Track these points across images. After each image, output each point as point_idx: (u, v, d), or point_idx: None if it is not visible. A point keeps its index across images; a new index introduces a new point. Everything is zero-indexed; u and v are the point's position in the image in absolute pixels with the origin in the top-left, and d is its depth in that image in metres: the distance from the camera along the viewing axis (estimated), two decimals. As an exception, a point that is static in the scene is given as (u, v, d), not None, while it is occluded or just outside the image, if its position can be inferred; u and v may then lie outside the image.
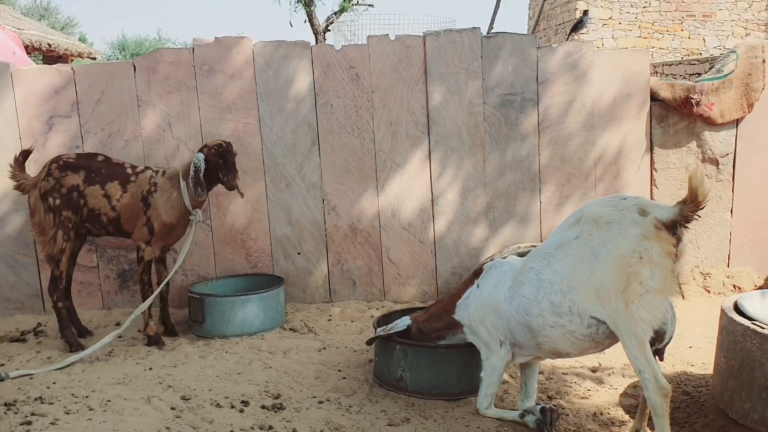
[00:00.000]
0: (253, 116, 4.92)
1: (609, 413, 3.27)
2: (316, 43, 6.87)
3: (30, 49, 12.02)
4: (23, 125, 4.75)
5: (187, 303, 4.60)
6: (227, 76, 4.87)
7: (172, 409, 3.24)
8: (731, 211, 5.18)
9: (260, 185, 4.95)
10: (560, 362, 3.82)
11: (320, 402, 3.35)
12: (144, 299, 4.20)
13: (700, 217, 2.57)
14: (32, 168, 4.42)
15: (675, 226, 2.59)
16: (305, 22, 16.14)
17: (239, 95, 4.89)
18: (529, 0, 17.77)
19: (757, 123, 5.08)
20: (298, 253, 5.04)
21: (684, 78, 8.86)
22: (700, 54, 14.38)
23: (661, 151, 5.10)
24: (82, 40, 27.74)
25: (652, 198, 5.06)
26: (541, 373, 3.64)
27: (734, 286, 5.09)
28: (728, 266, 5.19)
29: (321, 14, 16.61)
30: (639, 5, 14.73)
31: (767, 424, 2.74)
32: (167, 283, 4.34)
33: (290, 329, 4.51)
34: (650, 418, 2.77)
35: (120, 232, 4.24)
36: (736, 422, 2.89)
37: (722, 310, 3.08)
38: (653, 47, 14.58)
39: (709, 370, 3.52)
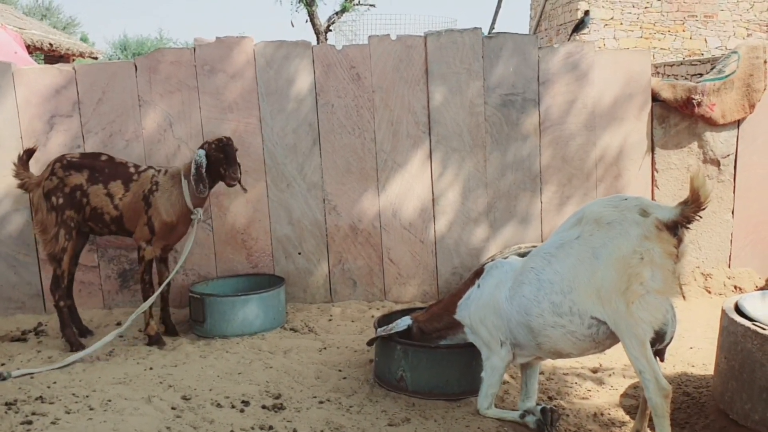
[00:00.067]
0: (254, 116, 4.92)
1: (609, 414, 3.27)
2: (318, 43, 6.88)
3: (32, 49, 12.03)
4: (24, 125, 4.76)
5: (187, 303, 4.60)
6: (228, 75, 4.87)
7: (173, 408, 3.24)
8: (732, 212, 5.17)
9: (261, 185, 4.96)
10: (561, 363, 3.82)
11: (321, 402, 3.35)
12: (145, 299, 4.20)
13: (701, 217, 2.57)
14: (32, 168, 4.41)
15: (676, 226, 2.59)
16: (306, 22, 16.15)
17: (240, 95, 4.90)
18: (530, 0, 17.77)
19: (758, 124, 5.07)
20: (299, 253, 5.04)
21: (685, 78, 8.86)
22: (702, 54, 14.37)
23: (663, 151, 5.09)
24: (84, 39, 27.76)
25: (653, 199, 5.06)
26: (541, 373, 3.63)
27: (735, 287, 5.08)
28: (729, 267, 5.19)
29: (322, 14, 16.62)
30: (640, 6, 14.72)
31: (767, 425, 2.74)
32: (168, 283, 4.34)
33: (291, 329, 4.51)
34: (651, 419, 2.77)
35: (122, 231, 4.25)
36: (736, 423, 2.89)
37: (723, 311, 3.08)
38: (655, 48, 14.57)
39: (710, 370, 3.52)
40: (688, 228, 2.60)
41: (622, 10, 14.69)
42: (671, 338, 2.74)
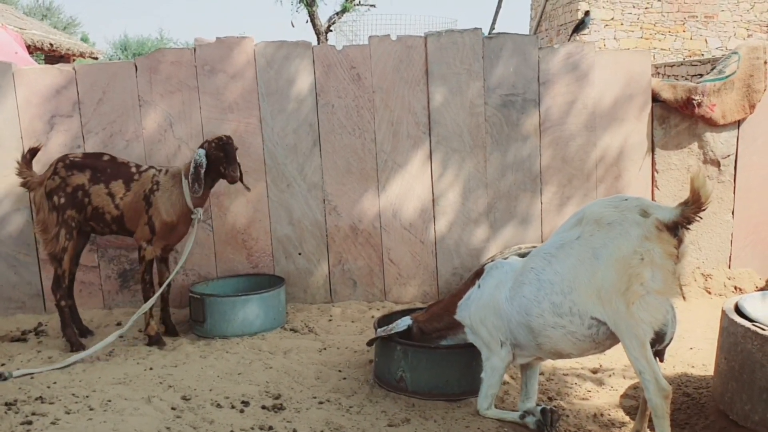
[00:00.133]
0: (254, 116, 4.92)
1: (609, 414, 3.27)
2: (318, 44, 6.88)
3: (32, 49, 12.04)
4: (25, 125, 4.76)
5: (187, 303, 4.60)
6: (229, 76, 4.87)
7: (173, 409, 3.24)
8: (732, 213, 5.17)
9: (261, 185, 4.96)
10: (561, 363, 3.82)
11: (320, 402, 3.35)
12: (145, 299, 4.20)
13: (701, 218, 2.57)
14: (32, 168, 4.41)
15: (676, 227, 2.59)
16: (307, 22, 16.15)
17: (241, 95, 4.90)
18: (530, 1, 17.77)
19: (758, 124, 5.07)
20: (299, 254, 5.04)
21: (686, 79, 8.86)
22: (702, 55, 14.37)
23: (663, 152, 5.09)
24: (84, 39, 27.77)
25: (653, 199, 5.06)
26: (541, 374, 3.63)
27: (735, 288, 5.08)
28: (729, 267, 5.19)
29: (323, 14, 16.61)
30: (641, 6, 14.73)
31: (767, 425, 2.74)
32: (168, 283, 4.34)
33: (291, 329, 4.51)
34: (651, 420, 2.77)
35: (123, 231, 4.25)
36: (736, 424, 2.89)
37: (723, 312, 3.08)
38: (655, 48, 14.57)
39: (710, 371, 3.52)
40: (688, 228, 2.60)
41: (622, 10, 14.70)
42: (671, 339, 2.74)
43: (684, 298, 2.68)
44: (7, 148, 4.72)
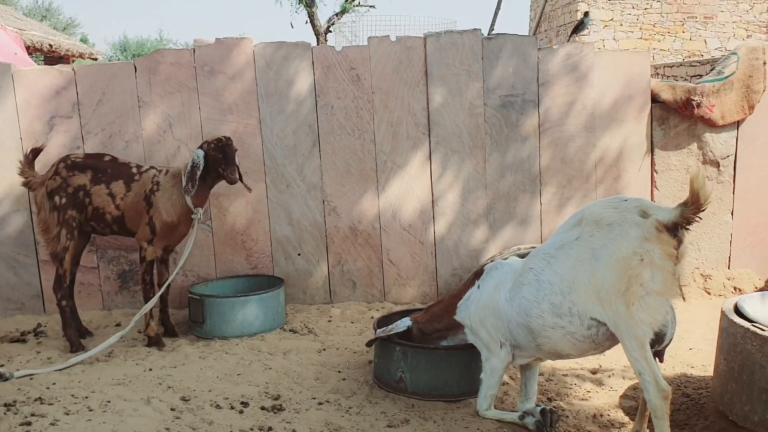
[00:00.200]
0: (253, 117, 4.92)
1: (609, 415, 3.27)
2: (317, 45, 6.89)
3: (31, 50, 12.05)
4: (24, 126, 4.76)
5: (187, 304, 4.60)
6: (228, 77, 4.87)
7: (172, 410, 3.24)
8: (732, 213, 5.17)
9: (261, 186, 4.95)
10: (560, 364, 3.82)
11: (320, 403, 3.34)
12: (145, 299, 4.20)
13: (701, 219, 2.57)
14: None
15: (676, 228, 2.59)
16: (306, 23, 16.16)
17: (240, 96, 4.90)
18: (530, 1, 17.78)
19: (757, 125, 5.08)
20: (299, 254, 5.04)
21: (685, 80, 8.86)
22: (702, 56, 14.38)
23: (662, 152, 5.09)
24: (84, 40, 27.78)
25: (652, 200, 5.06)
26: (541, 374, 3.63)
27: (735, 288, 5.08)
28: (729, 268, 5.19)
29: (322, 15, 16.62)
30: (640, 7, 14.73)
31: (767, 426, 2.74)
32: (168, 284, 4.34)
33: (290, 330, 4.51)
34: (650, 420, 2.77)
35: (124, 231, 4.26)
36: (736, 424, 2.89)
37: (722, 312, 3.08)
38: (654, 49, 14.58)
39: (710, 372, 3.52)
40: (687, 229, 2.61)
41: (621, 11, 14.70)
42: (671, 339, 2.74)
43: (683, 298, 2.69)
44: (7, 148, 4.72)
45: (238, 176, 4.10)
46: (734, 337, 2.91)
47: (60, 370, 3.76)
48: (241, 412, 3.24)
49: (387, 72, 4.92)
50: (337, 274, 5.08)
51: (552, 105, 4.99)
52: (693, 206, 2.54)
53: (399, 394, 3.41)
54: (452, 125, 4.96)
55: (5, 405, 3.23)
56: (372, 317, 4.74)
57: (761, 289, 4.97)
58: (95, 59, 15.51)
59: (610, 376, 3.72)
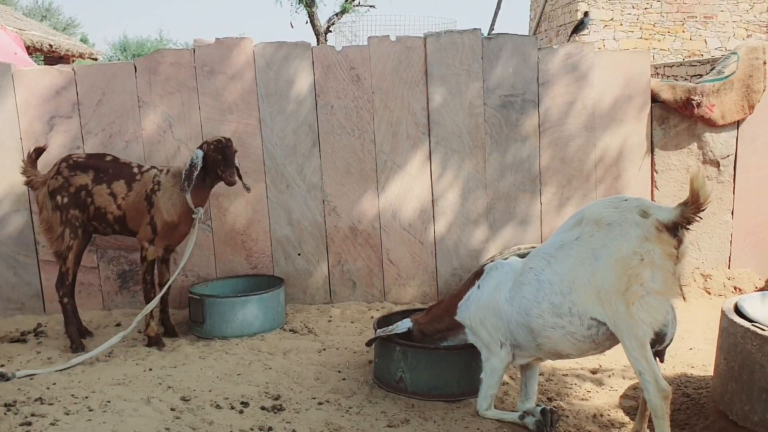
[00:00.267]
0: (253, 117, 4.92)
1: (609, 415, 3.27)
2: (317, 44, 6.89)
3: (31, 50, 12.05)
4: (24, 125, 4.76)
5: (187, 304, 4.60)
6: (228, 77, 4.87)
7: (172, 410, 3.24)
8: (732, 213, 5.17)
9: (261, 186, 4.95)
10: (560, 364, 3.82)
11: (320, 403, 3.34)
12: (146, 299, 4.21)
13: (701, 219, 2.57)
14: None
15: (676, 227, 2.59)
16: (306, 23, 16.16)
17: (240, 96, 4.90)
18: (530, 1, 17.78)
19: (758, 124, 5.08)
20: (299, 254, 5.04)
21: (685, 79, 8.86)
22: (702, 55, 14.38)
23: (662, 152, 5.09)
24: (84, 40, 27.78)
25: (652, 199, 5.06)
26: (541, 374, 3.63)
27: (735, 288, 5.08)
28: (729, 268, 5.19)
29: (322, 15, 16.63)
30: (640, 6, 14.73)
31: (767, 426, 2.74)
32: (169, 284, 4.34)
33: (290, 330, 4.51)
34: (650, 420, 2.77)
35: (126, 231, 4.27)
36: (736, 424, 2.89)
37: (722, 312, 3.08)
38: (654, 48, 14.58)
39: (710, 371, 3.52)
40: (688, 229, 2.60)
41: (621, 11, 14.70)
42: (671, 339, 2.74)
43: (684, 298, 2.68)
44: (7, 148, 4.73)
45: (237, 178, 4.10)
46: (734, 336, 2.91)
47: (61, 370, 3.76)
48: (241, 412, 3.24)
49: (387, 72, 4.92)
50: (337, 274, 5.08)
51: (552, 105, 4.99)
52: (693, 206, 2.53)
53: (399, 394, 3.41)
54: (452, 125, 4.96)
55: (5, 405, 3.24)
56: (372, 317, 4.74)
57: (761, 289, 4.96)
58: (95, 59, 15.52)
59: (610, 376, 3.72)
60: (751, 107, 5.01)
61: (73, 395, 3.38)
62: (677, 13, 14.78)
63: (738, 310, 3.04)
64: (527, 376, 3.17)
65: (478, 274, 3.30)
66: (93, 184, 4.18)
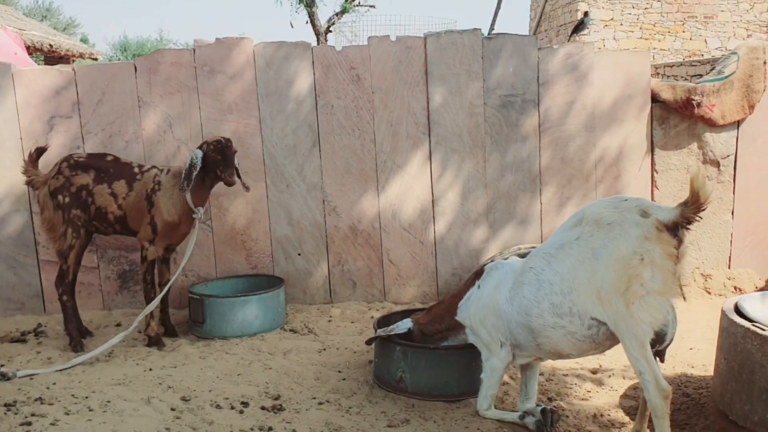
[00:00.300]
0: (253, 117, 4.92)
1: (609, 415, 3.26)
2: (317, 44, 6.89)
3: (32, 50, 12.05)
4: (24, 125, 4.76)
5: (187, 304, 4.60)
6: (228, 76, 4.87)
7: (172, 410, 3.24)
8: (732, 213, 5.17)
9: (261, 186, 4.95)
10: (560, 364, 3.82)
11: (320, 403, 3.34)
12: (147, 299, 4.21)
13: (701, 218, 2.57)
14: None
15: (676, 227, 2.59)
16: (307, 23, 16.16)
17: (240, 96, 4.90)
18: (530, 1, 17.78)
19: (758, 124, 5.07)
20: (299, 254, 5.04)
21: (685, 79, 8.86)
22: (702, 55, 14.38)
23: (662, 152, 5.09)
24: (84, 40, 27.79)
25: (653, 199, 5.06)
26: (541, 374, 3.63)
27: (735, 288, 5.08)
28: (729, 268, 5.19)
29: (322, 15, 16.63)
30: (640, 6, 14.73)
31: (767, 426, 2.74)
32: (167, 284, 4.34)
33: (290, 330, 4.51)
34: (650, 420, 2.77)
35: (127, 231, 4.28)
36: (736, 424, 2.89)
37: (723, 312, 3.08)
38: (655, 48, 14.58)
39: (710, 371, 3.52)
40: (688, 229, 2.60)
41: (621, 10, 14.70)
42: (672, 339, 2.74)
43: (684, 298, 2.68)
44: (7, 148, 4.73)
45: (236, 178, 4.10)
46: (734, 336, 2.91)
47: (62, 370, 3.76)
48: (241, 412, 3.24)
49: (387, 72, 4.92)
50: (337, 274, 5.08)
51: (552, 105, 4.99)
52: (693, 206, 2.53)
53: (399, 394, 3.41)
54: (452, 125, 4.96)
55: (5, 405, 3.24)
56: (372, 317, 4.74)
57: (761, 289, 4.96)
58: (95, 59, 15.52)
59: (610, 376, 3.72)
60: (752, 107, 5.00)
61: (73, 395, 3.38)
62: (677, 13, 14.78)
63: (738, 310, 3.04)
64: (527, 376, 3.17)
65: (479, 273, 3.30)
66: (94, 183, 4.18)
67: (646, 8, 14.73)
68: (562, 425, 3.12)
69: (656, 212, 2.62)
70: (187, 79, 4.85)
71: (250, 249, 5.01)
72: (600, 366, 3.83)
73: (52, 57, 13.51)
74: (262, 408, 3.27)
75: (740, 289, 5.05)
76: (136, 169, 4.26)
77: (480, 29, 4.95)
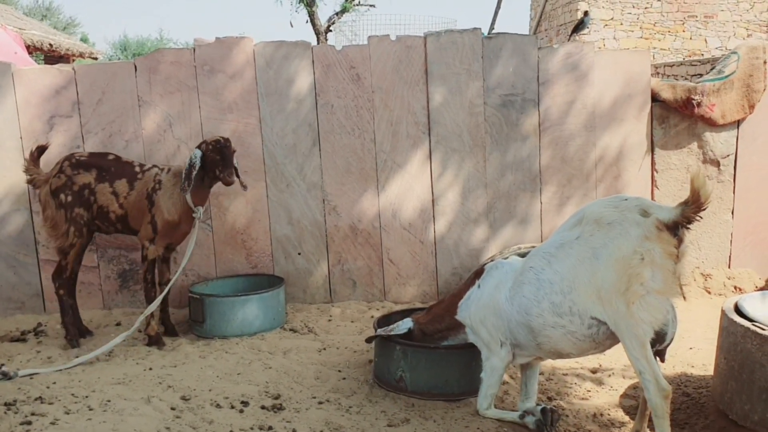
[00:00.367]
0: (253, 116, 4.92)
1: (609, 414, 3.27)
2: (317, 44, 6.89)
3: (32, 49, 12.05)
4: (24, 125, 4.76)
5: (187, 303, 4.60)
6: (228, 76, 4.87)
7: (172, 409, 3.24)
8: (732, 212, 5.17)
9: (261, 185, 4.95)
10: (560, 363, 3.82)
11: (320, 402, 3.34)
12: (147, 298, 4.22)
13: (701, 218, 2.57)
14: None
15: (676, 227, 2.59)
16: (307, 22, 16.16)
17: (240, 95, 4.90)
18: (530, 1, 17.77)
19: (758, 124, 5.07)
20: (299, 254, 5.04)
21: (685, 79, 8.86)
22: (702, 55, 14.37)
23: (662, 152, 5.09)
24: (84, 40, 27.78)
25: (653, 199, 5.06)
26: (541, 374, 3.63)
27: (735, 288, 5.08)
28: (729, 267, 5.19)
29: (322, 15, 16.63)
30: (640, 6, 14.73)
31: (767, 425, 2.74)
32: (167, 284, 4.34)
33: (290, 329, 4.51)
34: (650, 420, 2.77)
35: (128, 230, 4.28)
36: (736, 423, 2.89)
37: (723, 312, 3.08)
38: (655, 48, 14.57)
39: (710, 371, 3.52)
40: (688, 228, 2.60)
41: (622, 10, 14.70)
42: (672, 339, 2.74)
43: (684, 297, 2.68)
44: (7, 148, 4.73)
45: (235, 178, 4.11)
46: (734, 336, 2.91)
47: (62, 369, 3.76)
48: (241, 411, 3.24)
49: (387, 71, 4.91)
50: (337, 274, 5.08)
51: (552, 104, 4.98)
52: (693, 205, 2.53)
53: (399, 394, 3.41)
54: (452, 124, 4.96)
55: (6, 404, 3.24)
56: (372, 316, 4.74)
57: (761, 289, 4.96)
58: (95, 59, 15.51)
59: (610, 376, 3.72)
60: (752, 107, 5.00)
61: (73, 394, 3.38)
62: (677, 13, 14.78)
63: (738, 310, 3.04)
64: (527, 376, 3.17)
65: (479, 273, 3.30)
66: (96, 182, 4.19)
67: (646, 8, 14.73)
68: (562, 425, 3.12)
69: (656, 212, 2.62)
70: (187, 78, 4.85)
71: (250, 248, 5.01)
72: (600, 365, 3.84)
73: (52, 56, 13.50)
74: (262, 407, 3.27)
75: (740, 289, 5.05)
76: (137, 169, 4.27)
77: (480, 29, 4.95)
